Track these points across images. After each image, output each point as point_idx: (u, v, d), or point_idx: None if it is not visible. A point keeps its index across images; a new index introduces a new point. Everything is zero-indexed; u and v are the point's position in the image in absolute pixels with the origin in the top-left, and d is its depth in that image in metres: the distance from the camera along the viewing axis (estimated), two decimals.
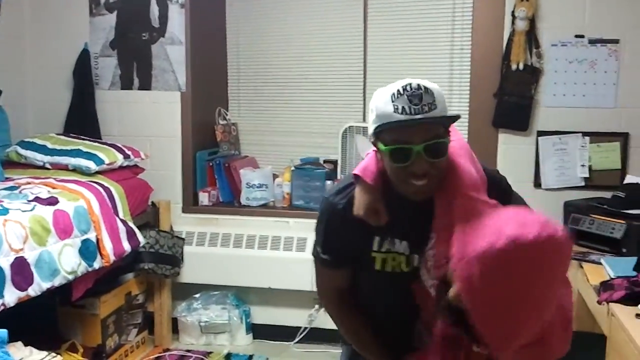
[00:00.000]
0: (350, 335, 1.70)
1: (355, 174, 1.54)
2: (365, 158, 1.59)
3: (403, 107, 1.38)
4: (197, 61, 3.73)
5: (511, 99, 3.32)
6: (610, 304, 2.09)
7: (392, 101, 1.39)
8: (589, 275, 2.46)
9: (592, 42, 3.22)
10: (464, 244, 1.30)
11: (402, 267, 1.53)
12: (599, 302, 2.16)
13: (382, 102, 1.41)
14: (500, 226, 1.25)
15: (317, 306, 3.53)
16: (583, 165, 3.28)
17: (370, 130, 1.48)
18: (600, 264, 2.53)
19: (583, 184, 3.28)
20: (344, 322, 1.70)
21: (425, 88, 1.39)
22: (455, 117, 1.44)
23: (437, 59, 3.59)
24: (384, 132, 1.42)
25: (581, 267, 2.60)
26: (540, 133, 3.32)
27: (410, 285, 1.52)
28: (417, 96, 1.38)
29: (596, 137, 3.26)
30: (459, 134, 1.56)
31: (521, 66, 3.28)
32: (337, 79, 3.77)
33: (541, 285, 1.25)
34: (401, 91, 1.39)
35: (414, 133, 1.39)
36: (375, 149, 1.51)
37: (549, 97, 3.30)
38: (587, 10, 3.21)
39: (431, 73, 3.57)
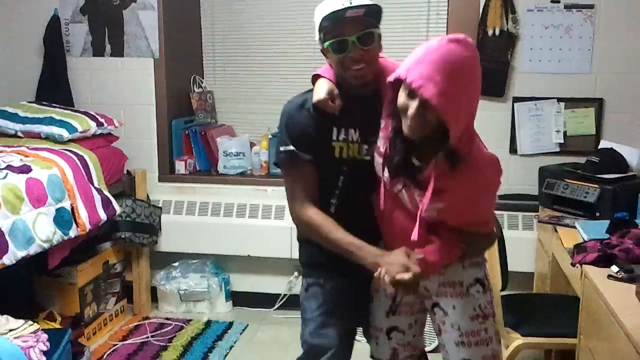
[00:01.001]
0: (332, 241, 1.75)
1: (314, 75, 1.82)
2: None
3: (341, 4, 1.66)
4: (171, 27, 3.66)
5: (487, 65, 3.29)
6: (583, 266, 2.12)
7: (329, 2, 1.69)
8: (564, 239, 2.50)
9: (568, 7, 3.22)
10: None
11: (358, 155, 1.78)
12: (573, 264, 2.20)
13: (322, 8, 1.71)
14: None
15: (296, 273, 3.55)
16: (558, 131, 3.30)
17: (317, 36, 1.77)
18: (575, 227, 2.57)
19: (558, 149, 3.31)
20: (326, 228, 1.76)
21: None
22: (376, 5, 1.72)
23: (413, 23, 3.57)
24: (326, 33, 1.72)
25: (556, 231, 2.64)
26: (516, 99, 3.33)
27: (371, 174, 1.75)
28: None
29: (571, 102, 3.28)
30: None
31: (497, 32, 3.28)
32: (314, 44, 3.70)
33: (476, 77, 1.56)
34: None
35: (348, 27, 1.68)
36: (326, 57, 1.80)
37: (524, 62, 3.31)
38: None
39: (407, 38, 3.55)
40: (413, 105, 1.52)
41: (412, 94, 1.53)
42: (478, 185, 1.63)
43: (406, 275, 1.60)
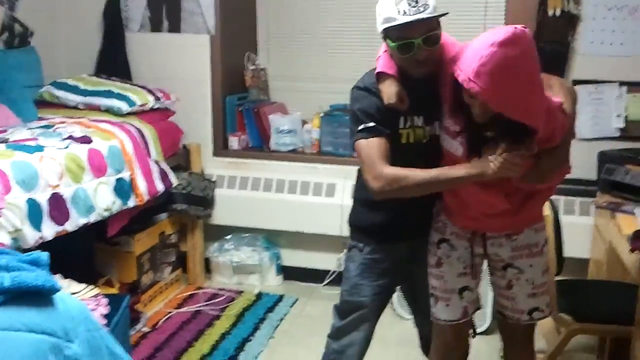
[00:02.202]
0: (423, 181, 1.80)
1: (378, 72, 1.90)
2: (379, 61, 1.93)
3: (404, 10, 1.74)
4: (226, 4, 3.69)
5: (547, 47, 3.23)
6: None
7: (396, 5, 1.75)
8: (622, 225, 2.44)
9: None
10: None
11: (421, 138, 1.92)
12: (632, 251, 2.16)
13: (387, 7, 1.78)
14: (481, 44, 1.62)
15: (345, 250, 3.56)
16: (619, 116, 3.21)
17: (380, 30, 1.84)
18: (634, 214, 2.50)
19: (618, 134, 3.22)
20: (412, 173, 1.81)
21: None
22: (444, 13, 1.79)
23: (471, 4, 3.50)
24: (391, 31, 1.79)
25: (614, 217, 2.58)
26: (576, 82, 3.23)
27: (432, 152, 1.90)
28: (414, 0, 1.75)
29: (633, 86, 3.18)
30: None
31: (558, 12, 3.19)
32: (369, 25, 3.67)
33: (533, 72, 1.64)
34: None
35: (414, 30, 1.76)
36: (385, 48, 1.91)
37: (586, 44, 3.21)
38: None
39: (466, 18, 3.49)
40: (475, 103, 1.67)
41: (473, 95, 1.65)
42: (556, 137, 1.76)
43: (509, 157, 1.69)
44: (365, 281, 2.10)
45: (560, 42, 3.23)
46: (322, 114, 3.66)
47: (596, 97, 3.24)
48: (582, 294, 2.56)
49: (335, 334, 2.18)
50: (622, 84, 3.20)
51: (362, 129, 1.87)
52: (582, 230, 3.10)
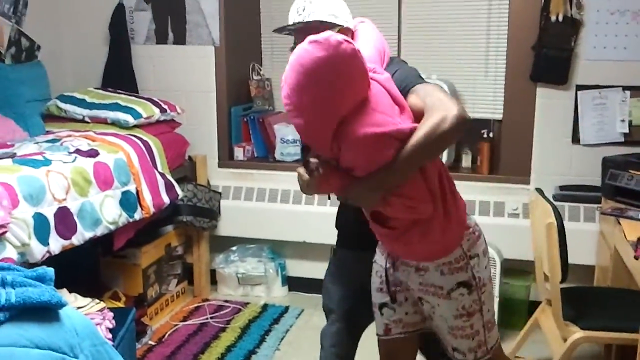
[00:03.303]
0: None
1: None
2: None
3: (292, 17, 1.83)
4: (231, 15, 3.72)
5: (550, 52, 3.24)
6: None
7: (290, 13, 1.84)
8: (627, 231, 2.43)
9: None
10: None
11: None
12: (636, 257, 2.15)
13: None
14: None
15: None
16: (623, 121, 3.21)
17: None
18: (639, 220, 2.50)
19: (622, 139, 3.21)
20: None
21: (310, 0, 1.80)
22: (318, 21, 1.77)
23: (474, 10, 3.52)
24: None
25: (619, 223, 2.57)
26: (580, 87, 3.25)
27: None
28: (302, 7, 1.81)
29: (637, 91, 3.18)
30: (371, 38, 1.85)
31: (560, 17, 3.20)
32: None
33: (345, 93, 1.52)
34: (295, 2, 1.84)
35: (301, 35, 1.71)
36: None
37: (589, 49, 3.21)
38: None
39: (469, 25, 3.52)
40: None
41: None
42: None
43: (301, 170, 1.66)
44: (333, 286, 2.16)
45: (563, 48, 3.23)
46: None
47: (600, 102, 3.24)
48: (587, 302, 2.55)
49: (321, 337, 2.21)
50: (625, 88, 3.20)
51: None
52: (587, 237, 3.09)
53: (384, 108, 1.57)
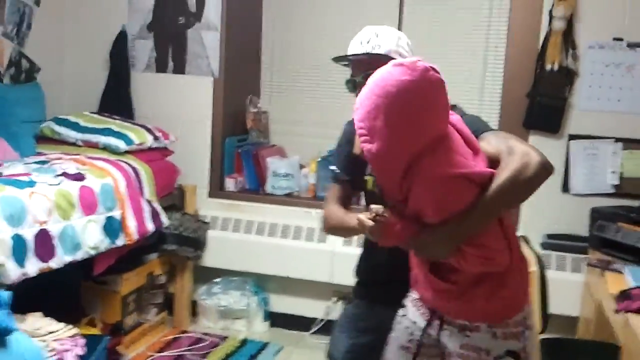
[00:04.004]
0: (335, 224, 1.84)
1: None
2: None
3: (352, 47, 1.79)
4: (231, 48, 3.76)
5: (544, 100, 3.25)
6: (627, 313, 2.04)
7: (352, 43, 1.81)
8: (610, 283, 2.41)
9: (631, 45, 3.14)
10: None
11: (372, 187, 1.72)
12: (617, 311, 2.12)
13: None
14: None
15: (334, 298, 3.54)
16: (614, 172, 3.20)
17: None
18: (623, 273, 2.47)
19: (613, 191, 3.20)
20: (332, 215, 1.86)
21: (377, 33, 1.78)
22: (383, 55, 1.73)
23: (472, 55, 3.55)
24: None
25: (603, 275, 2.55)
26: (572, 137, 3.25)
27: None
28: (366, 39, 1.77)
29: (629, 143, 3.18)
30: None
31: (556, 67, 3.22)
32: None
33: (427, 123, 1.41)
34: (358, 34, 1.81)
35: (358, 67, 1.76)
36: None
37: (582, 100, 3.23)
38: (628, 13, 3.12)
39: (465, 70, 3.54)
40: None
41: None
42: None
43: (363, 218, 1.53)
44: (342, 335, 2.02)
45: (557, 97, 3.24)
46: (319, 159, 3.67)
47: (591, 153, 3.24)
48: (566, 354, 2.50)
49: None
50: (617, 140, 3.20)
51: (330, 169, 1.96)
52: (573, 287, 3.05)
53: (461, 149, 1.47)
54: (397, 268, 1.75)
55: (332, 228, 1.89)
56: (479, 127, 1.63)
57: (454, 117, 1.55)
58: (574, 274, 3.09)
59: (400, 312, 1.77)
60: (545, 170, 1.47)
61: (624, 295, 2.16)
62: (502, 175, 1.44)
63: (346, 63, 1.83)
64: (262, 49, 4.03)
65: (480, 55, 3.53)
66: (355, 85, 1.77)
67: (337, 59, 1.83)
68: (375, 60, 1.70)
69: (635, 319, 1.99)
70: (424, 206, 1.45)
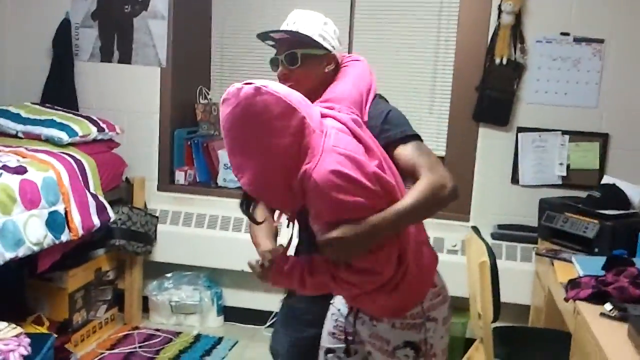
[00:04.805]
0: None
1: None
2: None
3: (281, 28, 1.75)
4: (180, 37, 3.67)
5: (493, 94, 3.30)
6: (576, 302, 2.08)
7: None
8: (559, 273, 2.46)
9: (577, 40, 3.21)
10: None
11: None
12: (566, 300, 2.16)
13: None
14: None
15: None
16: (561, 164, 3.27)
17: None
18: (571, 262, 2.52)
19: (560, 182, 3.27)
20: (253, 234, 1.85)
21: (303, 15, 1.76)
22: (306, 36, 1.71)
23: (422, 49, 3.56)
24: None
25: (552, 264, 2.60)
26: (521, 129, 3.31)
27: None
28: (292, 20, 1.76)
29: (576, 136, 3.26)
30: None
31: (505, 61, 3.26)
32: None
33: (269, 136, 1.43)
34: (288, 17, 1.79)
35: (282, 46, 1.75)
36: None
37: (530, 93, 3.29)
38: (574, 9, 3.19)
39: (416, 63, 3.55)
40: None
41: None
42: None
43: (253, 263, 1.63)
44: (282, 330, 2.02)
45: (505, 90, 3.29)
46: None
47: (539, 145, 3.30)
48: (519, 341, 2.55)
49: None
50: (565, 132, 3.27)
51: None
52: (523, 277, 3.12)
53: (347, 146, 1.47)
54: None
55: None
56: (405, 129, 1.63)
57: (345, 117, 1.55)
58: (524, 263, 3.16)
59: (332, 300, 1.83)
60: (455, 195, 1.53)
61: (573, 284, 2.20)
62: (418, 191, 1.49)
63: (273, 44, 1.81)
64: (212, 39, 3.95)
65: (431, 49, 3.55)
66: (277, 64, 1.76)
67: (261, 36, 1.81)
68: (297, 41, 1.72)
69: (583, 307, 2.03)
70: (320, 210, 1.48)
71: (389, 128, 1.63)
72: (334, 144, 1.45)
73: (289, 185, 1.46)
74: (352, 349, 1.76)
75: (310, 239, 1.60)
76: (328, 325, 1.82)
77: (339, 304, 1.79)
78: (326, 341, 1.82)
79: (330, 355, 1.80)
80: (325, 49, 1.74)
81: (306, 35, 1.72)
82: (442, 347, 1.67)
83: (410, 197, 1.49)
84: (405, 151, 1.58)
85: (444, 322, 1.68)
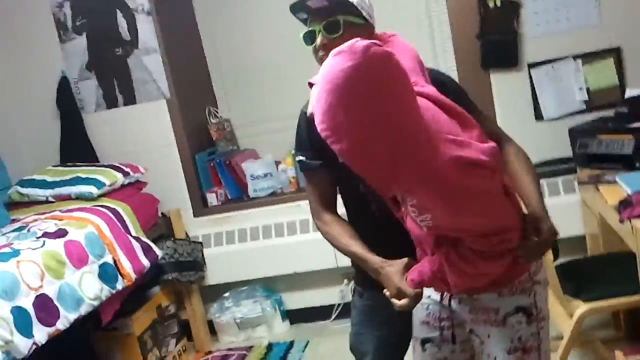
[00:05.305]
0: (340, 249, 1.72)
1: (309, 82, 1.62)
2: None
3: None
4: (176, 65, 3.69)
5: (495, 38, 3.25)
6: (632, 220, 2.05)
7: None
8: (607, 196, 2.42)
9: None
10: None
11: None
12: (621, 221, 2.13)
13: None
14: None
15: (346, 281, 3.53)
16: (581, 89, 3.22)
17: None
18: (616, 182, 2.48)
19: (584, 107, 3.22)
20: (335, 235, 1.71)
21: None
22: (346, 2, 1.59)
23: (413, 9, 3.53)
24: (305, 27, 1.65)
25: (597, 189, 2.56)
26: (531, 65, 3.25)
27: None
28: None
29: (588, 57, 3.19)
30: (407, 46, 1.64)
31: (498, 3, 3.21)
32: None
33: (390, 105, 1.27)
34: None
35: (317, 18, 1.60)
36: None
37: (532, 27, 3.23)
38: None
39: (410, 24, 3.52)
40: None
41: None
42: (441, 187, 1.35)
43: (399, 303, 1.48)
44: (366, 330, 1.92)
45: (506, 31, 3.24)
46: (292, 151, 3.63)
47: (555, 76, 3.25)
48: (584, 273, 2.53)
49: None
50: (576, 57, 3.21)
51: (297, 160, 1.79)
52: (571, 209, 3.07)
53: (447, 126, 1.37)
54: (394, 246, 1.59)
55: (335, 247, 1.74)
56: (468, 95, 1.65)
57: (429, 90, 1.45)
58: (569, 195, 3.12)
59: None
60: None
61: (625, 203, 2.17)
62: (529, 167, 1.66)
63: (305, 17, 1.66)
64: (207, 59, 3.96)
65: (423, 5, 3.52)
66: (314, 37, 1.61)
67: (296, 6, 1.63)
68: (336, 7, 1.58)
69: None
70: (433, 203, 1.36)
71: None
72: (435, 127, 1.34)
73: (394, 161, 1.30)
74: (445, 333, 1.68)
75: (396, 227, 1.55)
76: (420, 315, 1.72)
77: (427, 291, 1.64)
78: (421, 332, 1.73)
79: (428, 344, 1.72)
80: (365, 18, 1.64)
81: (347, 1, 1.59)
82: (547, 310, 1.62)
83: (531, 179, 1.61)
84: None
85: (545, 284, 1.63)
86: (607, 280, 2.44)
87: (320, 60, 1.60)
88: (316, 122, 1.32)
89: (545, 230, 1.49)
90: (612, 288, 2.36)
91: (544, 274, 1.63)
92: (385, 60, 1.27)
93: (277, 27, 3.74)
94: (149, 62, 3.64)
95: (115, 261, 2.87)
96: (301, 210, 3.54)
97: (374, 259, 1.58)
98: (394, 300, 1.50)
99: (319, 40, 1.60)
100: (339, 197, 1.85)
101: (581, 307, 2.33)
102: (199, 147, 3.82)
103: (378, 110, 1.26)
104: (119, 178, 3.30)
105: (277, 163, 3.76)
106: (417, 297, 1.49)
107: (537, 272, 1.59)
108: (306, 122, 1.70)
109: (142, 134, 3.74)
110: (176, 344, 3.52)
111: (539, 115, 3.28)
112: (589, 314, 2.35)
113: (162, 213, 3.61)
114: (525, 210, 1.55)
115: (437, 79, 1.61)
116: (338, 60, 1.26)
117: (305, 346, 3.44)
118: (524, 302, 1.56)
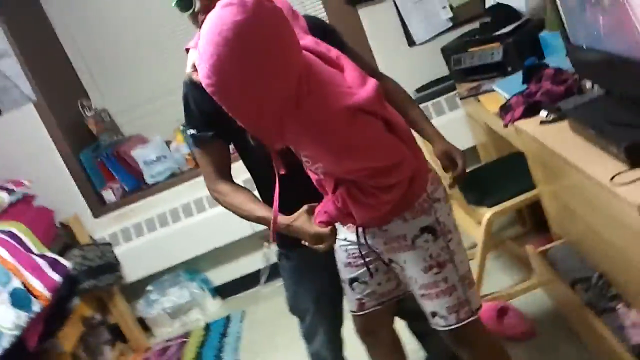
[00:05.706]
0: (245, 217, 1.75)
1: (185, 48, 1.65)
2: None
3: None
4: (36, 66, 3.45)
5: None
6: (515, 123, 2.18)
7: None
8: (488, 105, 2.54)
9: None
10: None
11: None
12: (505, 125, 2.25)
13: None
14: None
15: (266, 243, 3.53)
16: (444, 7, 3.31)
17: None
18: (494, 90, 2.61)
19: (451, 24, 3.32)
20: (235, 203, 1.75)
21: None
22: None
23: None
24: None
25: (478, 100, 2.68)
26: None
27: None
28: None
29: None
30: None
31: None
32: (183, 23, 3.56)
33: (276, 59, 1.29)
34: None
35: None
36: None
37: None
38: None
39: None
40: None
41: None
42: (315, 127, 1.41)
43: (321, 246, 1.57)
44: (300, 289, 1.96)
45: None
46: (180, 127, 3.55)
47: (418, 0, 3.31)
48: (482, 181, 2.66)
49: (305, 337, 2.05)
50: None
51: (188, 134, 1.77)
52: (458, 123, 3.22)
53: (332, 77, 1.41)
54: (308, 196, 1.64)
55: (237, 215, 1.77)
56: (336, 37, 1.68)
57: (306, 41, 1.46)
58: (454, 112, 3.25)
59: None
60: None
61: (505, 109, 2.29)
62: (411, 100, 1.83)
63: None
64: (67, 51, 3.72)
65: None
66: (190, 2, 1.56)
67: None
68: None
69: (523, 124, 2.12)
70: (321, 154, 1.43)
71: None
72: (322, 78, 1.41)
73: (280, 115, 1.34)
74: (372, 269, 1.75)
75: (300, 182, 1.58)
76: (341, 257, 1.78)
77: (342, 234, 1.72)
78: (346, 273, 1.79)
79: (355, 284, 1.79)
80: None
81: None
82: (453, 223, 1.69)
83: (417, 110, 1.82)
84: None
85: (445, 200, 1.68)
86: (504, 183, 2.59)
87: (201, 24, 1.49)
88: (201, 77, 1.30)
89: (459, 158, 1.73)
90: (511, 188, 2.50)
91: (442, 191, 1.68)
92: (275, 15, 1.28)
93: (131, 5, 3.57)
94: (5, 67, 3.39)
95: (24, 284, 2.72)
96: (204, 185, 3.48)
97: (280, 219, 1.60)
98: (317, 246, 1.58)
99: (198, 3, 1.56)
100: (241, 164, 1.86)
101: (487, 213, 2.47)
102: (81, 145, 3.63)
103: (265, 65, 1.27)
104: (4, 197, 3.10)
105: (168, 143, 3.66)
106: (334, 232, 1.58)
107: (435, 190, 1.65)
108: (192, 92, 1.68)
109: (17, 145, 3.51)
110: (112, 349, 3.43)
111: (411, 42, 3.36)
112: (495, 218, 2.49)
113: (60, 222, 3.44)
114: (416, 135, 1.70)
115: (312, 23, 1.63)
116: (227, 13, 1.24)
117: (243, 317, 3.45)
118: (426, 221, 1.62)
